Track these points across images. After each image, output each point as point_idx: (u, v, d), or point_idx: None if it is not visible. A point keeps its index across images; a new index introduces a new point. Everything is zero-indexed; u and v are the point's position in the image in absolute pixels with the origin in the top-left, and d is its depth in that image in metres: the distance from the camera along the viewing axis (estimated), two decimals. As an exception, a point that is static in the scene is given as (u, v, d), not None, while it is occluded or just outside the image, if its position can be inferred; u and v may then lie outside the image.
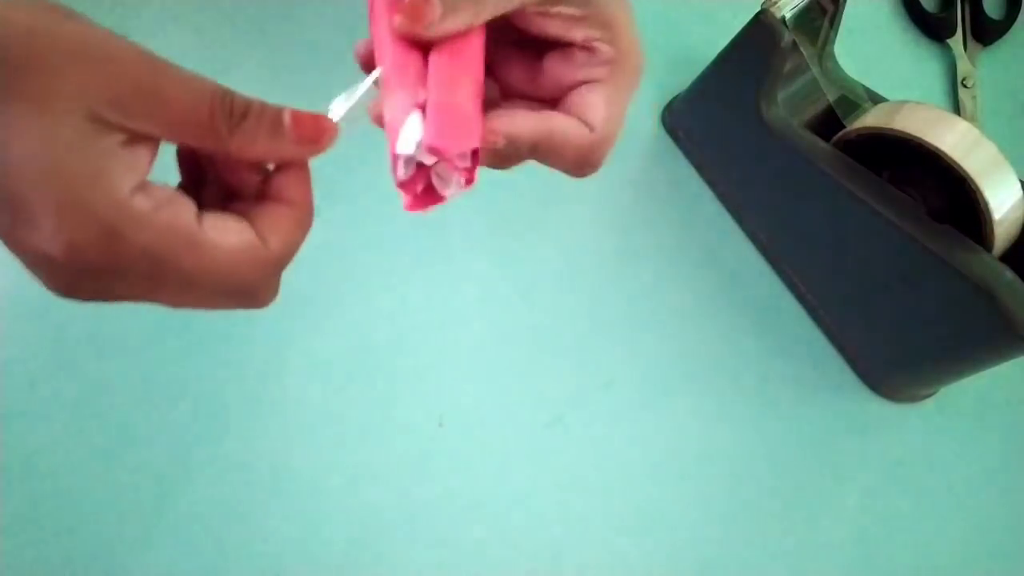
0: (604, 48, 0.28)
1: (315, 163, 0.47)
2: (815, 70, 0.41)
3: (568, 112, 0.28)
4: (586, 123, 0.28)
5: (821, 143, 0.40)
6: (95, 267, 0.21)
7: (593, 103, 0.28)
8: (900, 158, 0.37)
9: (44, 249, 0.20)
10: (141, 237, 0.21)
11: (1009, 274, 0.35)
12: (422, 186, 0.27)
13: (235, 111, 0.22)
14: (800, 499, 0.42)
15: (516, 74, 0.29)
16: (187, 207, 0.22)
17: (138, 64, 0.21)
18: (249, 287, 0.25)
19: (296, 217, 0.25)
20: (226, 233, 0.23)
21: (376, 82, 0.26)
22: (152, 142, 0.22)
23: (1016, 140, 0.50)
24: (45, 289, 0.22)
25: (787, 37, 0.39)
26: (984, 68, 0.52)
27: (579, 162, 0.29)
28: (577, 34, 0.28)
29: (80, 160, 0.20)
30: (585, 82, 0.29)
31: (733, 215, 0.47)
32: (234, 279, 0.24)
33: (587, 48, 0.28)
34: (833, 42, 0.42)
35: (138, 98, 0.21)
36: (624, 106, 0.30)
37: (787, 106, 0.41)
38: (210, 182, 0.26)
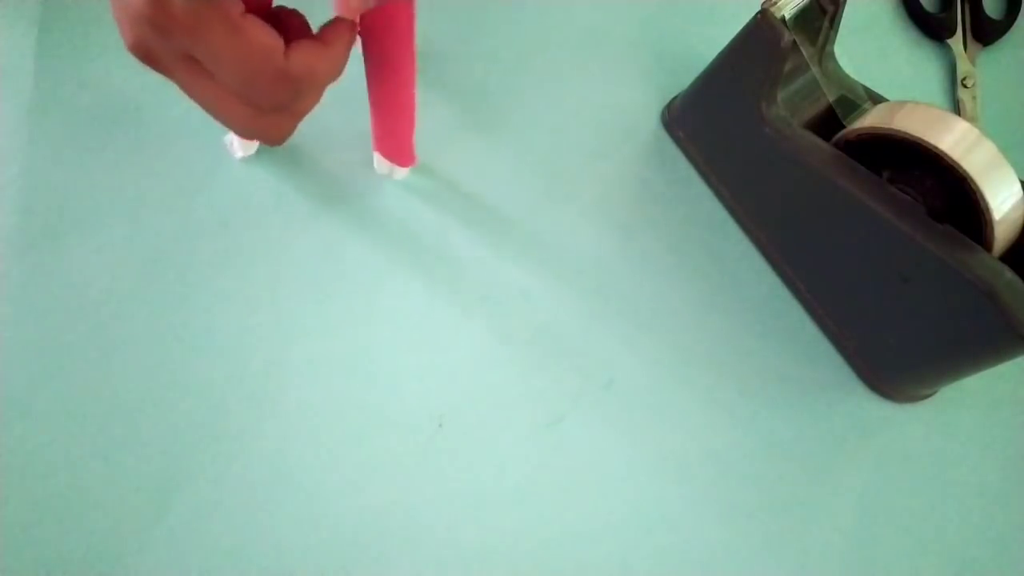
0: None
1: (319, 164, 0.48)
2: (815, 70, 0.41)
3: None
4: None
5: (821, 143, 0.40)
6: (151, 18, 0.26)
7: None
8: (900, 158, 0.37)
9: None
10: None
11: (1009, 274, 0.35)
12: None
13: None
14: (799, 499, 0.42)
15: None
16: (236, 4, 0.27)
17: None
18: (262, 82, 0.29)
19: (324, 52, 0.30)
20: (260, 29, 0.27)
21: None
22: None
23: (1016, 140, 0.50)
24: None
25: (787, 37, 0.39)
26: (984, 68, 0.52)
27: None
28: None
29: None
30: None
31: (733, 215, 0.47)
32: (251, 64, 0.28)
33: None
34: (833, 42, 0.42)
35: None
36: None
37: (787, 106, 0.41)
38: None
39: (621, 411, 0.43)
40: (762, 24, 0.39)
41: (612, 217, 0.46)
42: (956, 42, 0.52)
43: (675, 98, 0.48)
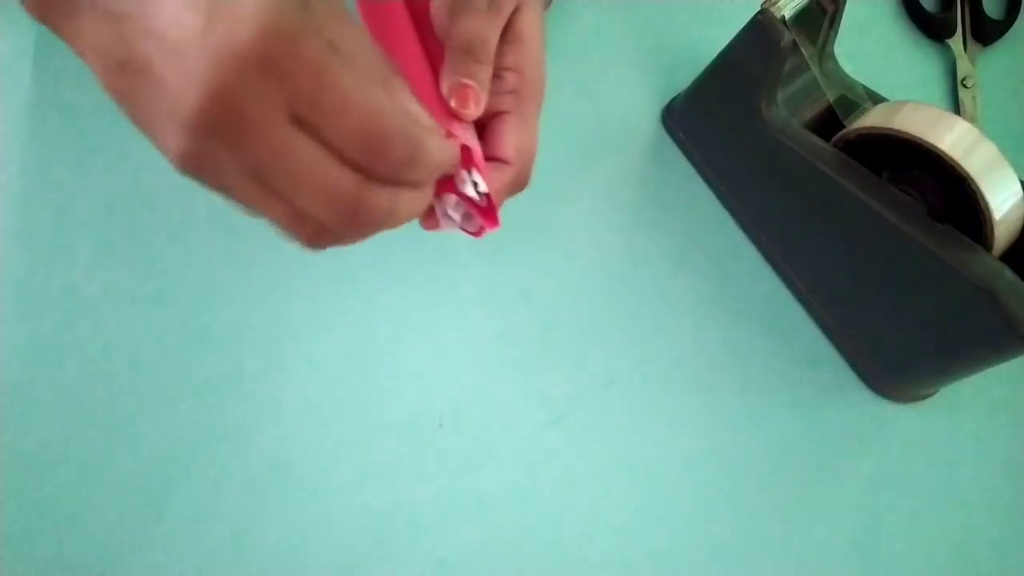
0: (509, 76, 0.29)
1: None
2: (815, 70, 0.41)
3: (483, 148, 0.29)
4: (499, 159, 0.29)
5: (821, 143, 0.40)
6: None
7: (502, 137, 0.29)
8: (900, 158, 0.37)
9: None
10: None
11: (1009, 274, 0.35)
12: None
13: None
14: (800, 499, 0.42)
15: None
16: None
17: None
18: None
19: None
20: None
21: None
22: None
23: (1016, 140, 0.50)
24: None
25: (787, 37, 0.39)
26: (984, 68, 0.52)
27: (509, 193, 0.30)
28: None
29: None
30: (494, 114, 0.29)
31: (733, 215, 0.47)
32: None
33: (494, 75, 0.29)
34: (833, 42, 0.42)
35: None
36: (534, 127, 0.30)
37: (787, 106, 0.41)
38: None
39: (621, 411, 0.43)
40: (762, 24, 0.39)
41: (612, 217, 0.46)
42: (956, 42, 0.52)
43: (675, 98, 0.48)
